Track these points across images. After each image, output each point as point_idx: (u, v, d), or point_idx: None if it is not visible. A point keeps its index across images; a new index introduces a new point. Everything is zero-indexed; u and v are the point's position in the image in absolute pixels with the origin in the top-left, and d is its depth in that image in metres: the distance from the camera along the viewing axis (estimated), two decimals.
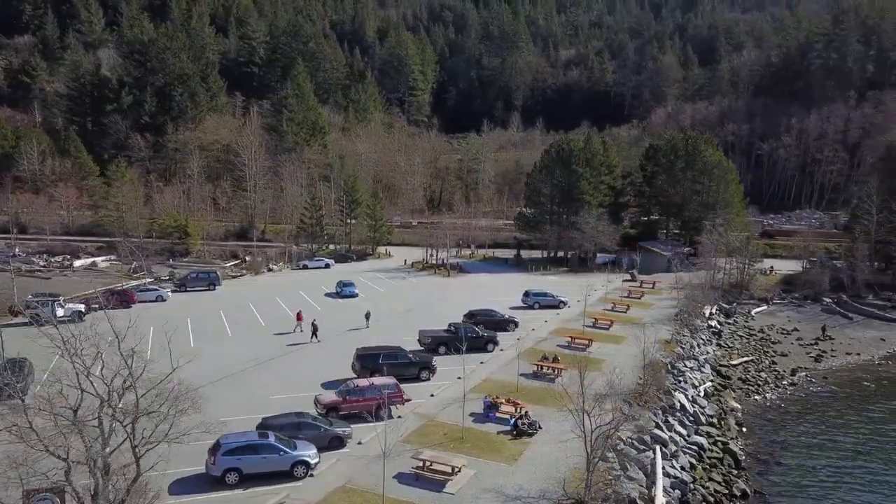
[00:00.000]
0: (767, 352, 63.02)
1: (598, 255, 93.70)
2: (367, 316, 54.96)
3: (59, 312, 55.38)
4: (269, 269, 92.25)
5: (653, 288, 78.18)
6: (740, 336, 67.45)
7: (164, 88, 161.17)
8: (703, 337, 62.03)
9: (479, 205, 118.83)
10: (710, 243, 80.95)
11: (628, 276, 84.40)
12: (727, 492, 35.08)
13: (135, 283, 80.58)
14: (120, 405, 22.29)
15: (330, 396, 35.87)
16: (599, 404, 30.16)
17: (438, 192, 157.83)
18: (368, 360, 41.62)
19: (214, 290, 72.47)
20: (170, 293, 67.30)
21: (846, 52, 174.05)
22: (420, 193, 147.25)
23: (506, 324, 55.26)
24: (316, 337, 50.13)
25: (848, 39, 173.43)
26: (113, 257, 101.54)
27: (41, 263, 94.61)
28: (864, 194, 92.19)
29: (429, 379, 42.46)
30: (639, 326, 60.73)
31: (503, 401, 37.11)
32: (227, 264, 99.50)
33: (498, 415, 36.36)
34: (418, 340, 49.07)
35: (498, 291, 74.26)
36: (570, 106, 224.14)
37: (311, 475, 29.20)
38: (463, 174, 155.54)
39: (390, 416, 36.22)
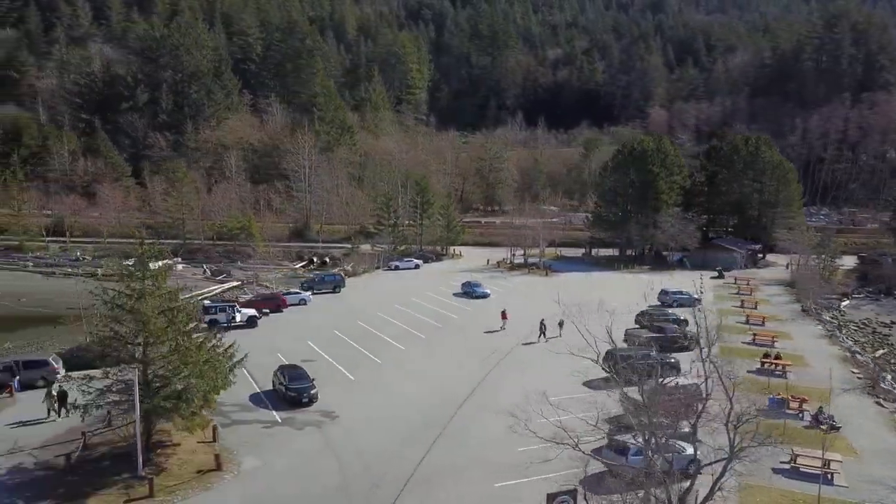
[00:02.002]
0: (892, 344, 66.56)
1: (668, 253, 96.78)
2: (561, 324, 54.50)
3: (237, 318, 54.68)
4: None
5: (747, 285, 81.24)
6: (854, 329, 70.91)
7: (178, 86, 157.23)
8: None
9: (533, 203, 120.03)
10: (795, 240, 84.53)
11: (715, 274, 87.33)
12: None
13: (223, 287, 79.53)
14: None
15: (637, 395, 36.86)
16: None
17: (460, 190, 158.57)
18: (623, 361, 42.68)
19: (339, 292, 71.84)
20: (311, 297, 66.52)
21: (839, 56, 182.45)
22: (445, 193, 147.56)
23: (678, 322, 56.97)
24: (544, 336, 51.09)
25: (842, 43, 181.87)
26: (178, 259, 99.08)
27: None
28: None
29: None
30: (783, 322, 63.85)
31: (789, 397, 38.85)
32: (296, 265, 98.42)
33: (787, 410, 38.07)
34: (624, 340, 50.35)
35: (612, 290, 75.91)
36: (561, 105, 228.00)
37: (700, 472, 30.25)
38: (485, 173, 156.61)
39: None
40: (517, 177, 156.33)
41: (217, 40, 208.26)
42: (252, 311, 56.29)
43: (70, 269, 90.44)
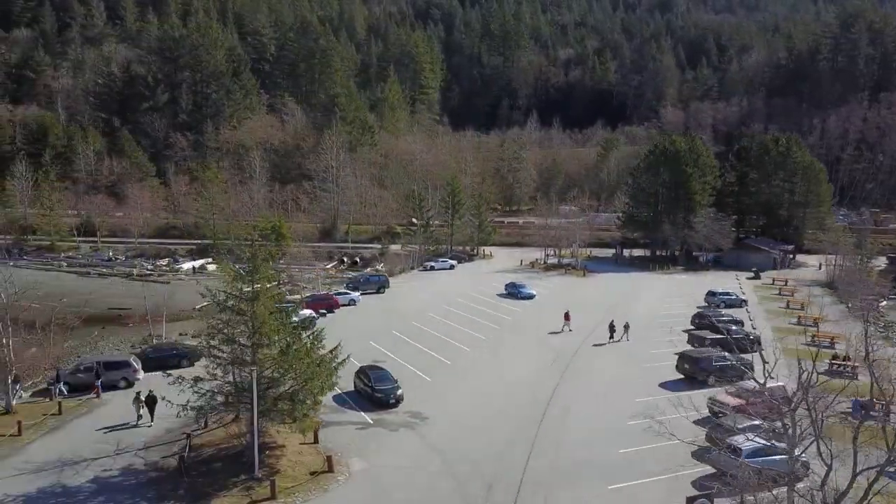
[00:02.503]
0: None
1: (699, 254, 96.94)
2: (627, 327, 54.36)
3: (293, 319, 54.42)
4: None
5: (786, 285, 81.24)
6: None
7: (197, 86, 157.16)
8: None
9: (559, 203, 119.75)
10: (830, 241, 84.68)
11: (752, 275, 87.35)
12: None
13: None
14: None
15: (729, 398, 36.97)
16: None
17: (479, 190, 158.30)
18: (699, 363, 43.00)
19: (384, 293, 71.82)
20: (360, 297, 66.49)
21: (856, 56, 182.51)
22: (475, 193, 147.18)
23: (732, 323, 56.97)
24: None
25: (859, 43, 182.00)
26: (209, 260, 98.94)
27: (149, 267, 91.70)
28: None
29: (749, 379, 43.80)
30: (834, 323, 63.84)
31: (874, 399, 38.81)
32: (328, 265, 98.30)
33: (873, 412, 38.01)
34: (688, 342, 50.44)
35: (654, 291, 76.03)
36: (574, 105, 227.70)
37: (808, 475, 30.32)
38: (504, 173, 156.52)
39: None
40: (535, 177, 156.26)
41: (231, 40, 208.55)
42: (309, 312, 56.21)
43: (104, 269, 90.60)
